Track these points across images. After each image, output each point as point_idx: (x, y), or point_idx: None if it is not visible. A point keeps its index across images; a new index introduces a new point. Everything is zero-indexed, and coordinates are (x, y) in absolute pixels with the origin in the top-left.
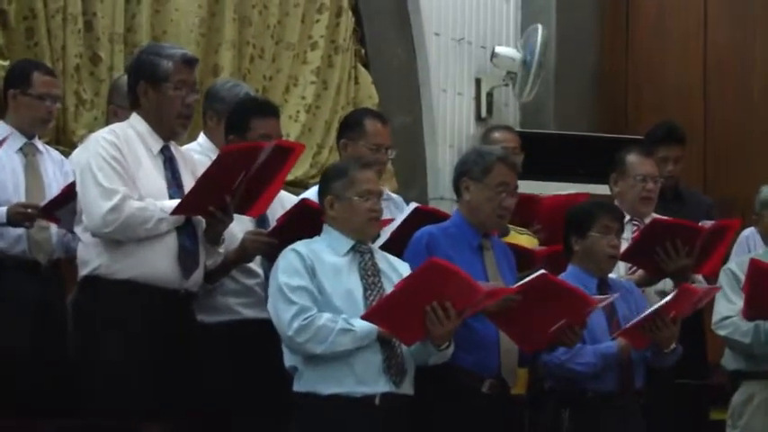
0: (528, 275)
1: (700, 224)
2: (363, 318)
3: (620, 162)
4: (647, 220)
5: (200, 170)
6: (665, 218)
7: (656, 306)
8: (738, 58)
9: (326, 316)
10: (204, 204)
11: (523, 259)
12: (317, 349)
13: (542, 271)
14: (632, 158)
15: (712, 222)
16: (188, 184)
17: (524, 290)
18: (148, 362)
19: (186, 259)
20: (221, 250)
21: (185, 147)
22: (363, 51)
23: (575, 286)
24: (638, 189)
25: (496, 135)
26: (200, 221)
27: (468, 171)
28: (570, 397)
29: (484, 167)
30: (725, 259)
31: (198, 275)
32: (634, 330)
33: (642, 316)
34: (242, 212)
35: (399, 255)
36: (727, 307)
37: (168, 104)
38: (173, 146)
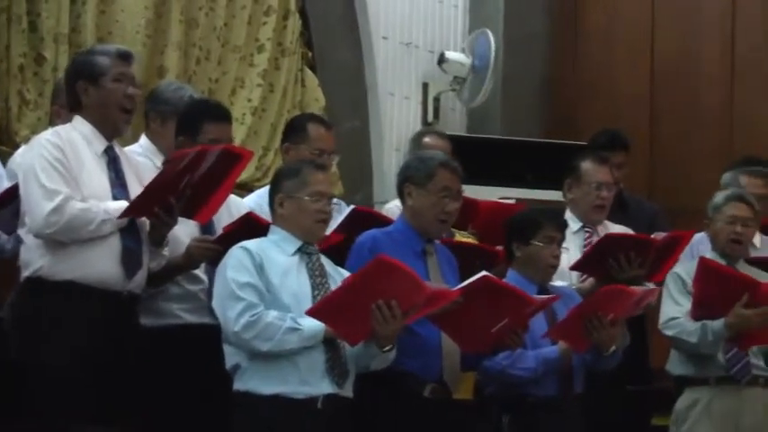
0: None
1: (653, 236)
2: (309, 313)
3: (574, 169)
4: (600, 228)
5: (143, 172)
6: (619, 232)
7: (583, 300)
8: (685, 67)
9: (274, 314)
10: (149, 206)
11: (487, 259)
12: (263, 347)
13: (484, 273)
14: (587, 166)
15: (665, 234)
16: (132, 184)
17: (466, 292)
18: (91, 364)
19: (129, 260)
20: (165, 252)
21: (127, 149)
22: (310, 54)
23: (515, 287)
24: (593, 197)
25: (427, 140)
26: (144, 222)
27: (410, 177)
28: (511, 402)
29: (426, 173)
30: None
31: (141, 277)
32: (573, 332)
33: (571, 311)
34: (189, 217)
35: (341, 258)
36: (675, 308)
37: (109, 98)
38: (116, 146)
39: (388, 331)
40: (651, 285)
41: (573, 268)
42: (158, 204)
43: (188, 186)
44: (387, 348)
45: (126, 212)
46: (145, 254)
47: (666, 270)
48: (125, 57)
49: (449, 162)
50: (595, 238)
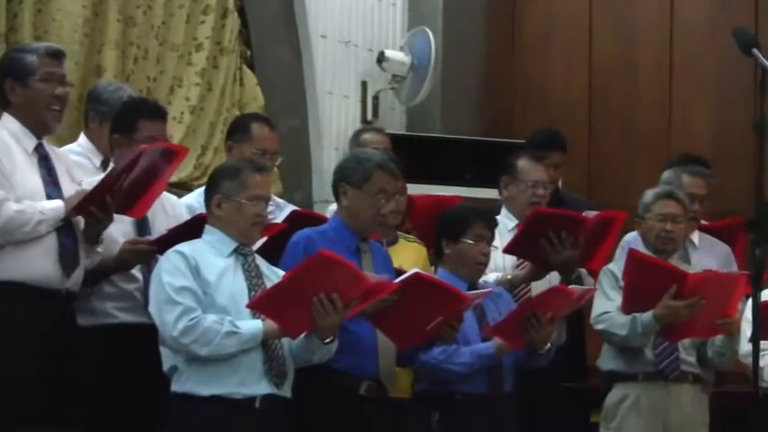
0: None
1: (584, 214)
2: (249, 306)
3: (510, 167)
4: None
5: (76, 169)
6: (549, 208)
7: (524, 298)
8: (623, 68)
9: (212, 318)
10: (87, 205)
11: None
12: (202, 351)
13: (416, 269)
14: (523, 164)
15: (596, 213)
16: (64, 182)
17: (399, 288)
18: (28, 364)
19: (67, 258)
20: (99, 249)
21: (65, 147)
22: (249, 53)
23: (448, 284)
24: (528, 194)
25: (366, 136)
26: (79, 220)
27: (346, 177)
28: (440, 399)
29: (363, 174)
30: (611, 255)
31: (78, 275)
32: (508, 328)
33: (512, 311)
34: (123, 212)
35: (276, 258)
36: (606, 303)
37: (36, 98)
38: (46, 144)
39: (330, 323)
40: (584, 272)
41: (506, 251)
42: (94, 203)
43: (123, 184)
44: (328, 341)
45: (69, 213)
46: (81, 252)
47: (601, 256)
48: (55, 55)
49: (386, 163)
50: None
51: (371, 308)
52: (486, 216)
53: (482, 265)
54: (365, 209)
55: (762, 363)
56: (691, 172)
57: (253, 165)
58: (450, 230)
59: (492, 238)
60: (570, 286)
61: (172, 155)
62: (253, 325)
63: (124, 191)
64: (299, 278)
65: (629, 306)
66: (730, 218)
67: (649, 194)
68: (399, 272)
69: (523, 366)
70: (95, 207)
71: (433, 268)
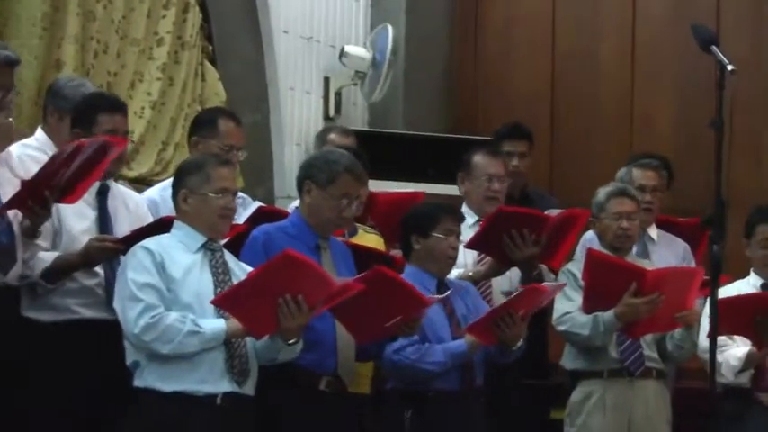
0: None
1: (546, 213)
2: (213, 302)
3: (467, 162)
4: None
5: (15, 164)
6: (512, 206)
7: (505, 301)
8: (585, 65)
9: (174, 316)
10: (25, 200)
11: (384, 263)
12: (163, 349)
13: (379, 267)
14: (479, 159)
15: (560, 211)
16: (4, 183)
17: (362, 282)
18: None
19: (3, 258)
20: (39, 242)
21: (21, 142)
22: (211, 48)
23: (410, 284)
24: (484, 189)
25: (333, 137)
26: (17, 215)
27: (312, 176)
28: (412, 396)
29: (329, 176)
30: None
31: (16, 271)
32: (483, 327)
33: (489, 311)
34: (58, 201)
35: (236, 253)
36: (567, 304)
37: None
38: None
39: (294, 325)
40: (545, 268)
41: (468, 246)
42: (33, 197)
43: (62, 178)
44: (292, 342)
45: (3, 208)
46: (18, 249)
47: (563, 253)
48: (9, 63)
49: (354, 168)
50: None
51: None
52: (453, 211)
53: (451, 260)
54: (327, 210)
55: (720, 358)
56: (640, 165)
57: (217, 158)
58: (420, 226)
59: (460, 233)
60: (544, 284)
61: (111, 147)
62: (215, 324)
63: (63, 183)
64: (265, 277)
65: (589, 305)
66: (693, 218)
67: (602, 193)
68: (367, 250)
69: (494, 361)
70: (33, 201)
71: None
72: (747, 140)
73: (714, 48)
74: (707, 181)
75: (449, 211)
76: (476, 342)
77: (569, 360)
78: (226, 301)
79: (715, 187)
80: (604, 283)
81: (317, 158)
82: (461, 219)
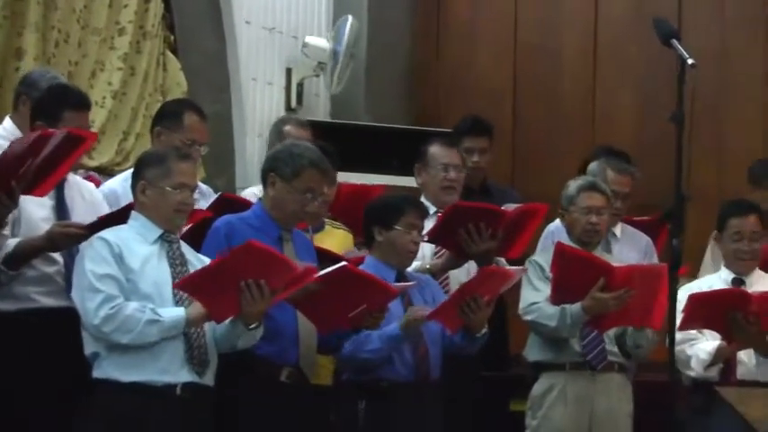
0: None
1: (503, 207)
2: (176, 286)
3: (423, 153)
4: None
5: None
6: (468, 201)
7: (464, 282)
8: (548, 59)
9: (133, 305)
10: None
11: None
12: (123, 339)
13: (344, 263)
14: (434, 149)
15: (517, 206)
16: None
17: (325, 280)
18: None
19: None
20: (5, 232)
21: None
22: (172, 38)
23: (375, 276)
24: (440, 178)
25: (288, 128)
26: None
27: (277, 168)
28: (367, 387)
29: (294, 170)
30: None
31: None
32: (447, 312)
33: (453, 295)
34: (27, 193)
35: (199, 243)
36: (534, 294)
37: None
38: None
39: (256, 310)
40: (503, 261)
41: (428, 240)
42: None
43: (30, 169)
44: (253, 327)
45: None
46: None
47: (520, 246)
48: None
49: (319, 163)
50: None
51: (296, 294)
52: (418, 205)
53: (412, 254)
54: (290, 203)
55: (690, 351)
56: (616, 168)
57: (178, 152)
58: (383, 218)
59: (423, 227)
60: (508, 267)
61: (79, 140)
62: (175, 313)
63: (31, 174)
64: (228, 264)
65: (557, 297)
66: (653, 214)
67: (573, 187)
68: (329, 254)
69: (459, 352)
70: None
71: (353, 247)
72: (709, 135)
73: (675, 41)
74: (668, 175)
75: (413, 205)
76: (410, 321)
77: (532, 352)
78: (188, 286)
79: (675, 181)
80: (572, 277)
81: (281, 151)
82: (425, 214)
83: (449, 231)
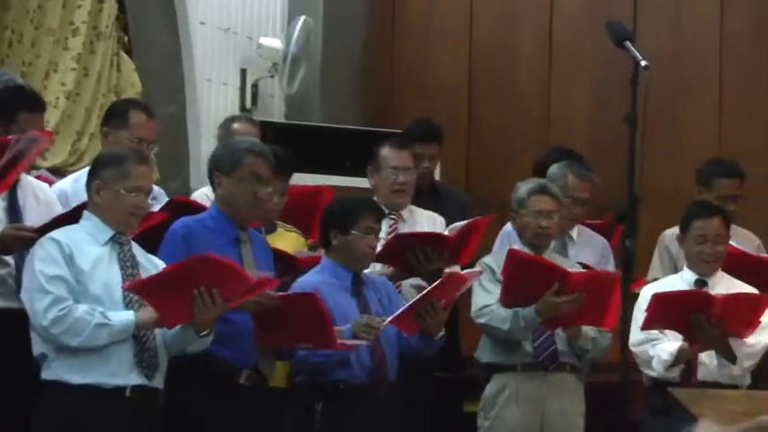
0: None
1: (448, 230)
2: (128, 288)
3: (375, 155)
4: (404, 213)
5: None
6: (409, 231)
7: (424, 292)
8: (503, 57)
9: (83, 308)
10: None
11: (285, 264)
12: (72, 341)
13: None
14: (385, 151)
15: (459, 229)
16: None
17: (287, 302)
18: None
19: None
20: None
21: None
22: (127, 38)
23: (330, 321)
24: (390, 181)
25: (236, 126)
26: None
27: (218, 166)
28: (322, 389)
29: (232, 162)
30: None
31: None
32: (405, 318)
33: (411, 303)
34: None
35: (153, 246)
36: (486, 296)
37: None
38: None
39: (208, 317)
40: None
41: (375, 260)
42: None
43: None
44: (204, 333)
45: None
46: None
47: (467, 255)
48: None
49: (255, 147)
50: (401, 225)
51: (254, 306)
52: (375, 209)
53: (369, 258)
54: (239, 195)
55: (652, 352)
56: (578, 174)
57: (137, 155)
58: (339, 222)
59: (380, 230)
60: (464, 271)
61: (37, 141)
62: (124, 317)
63: None
64: (182, 272)
65: (508, 300)
66: (607, 216)
67: (523, 190)
68: (283, 255)
69: (416, 355)
70: None
71: (305, 249)
72: (663, 136)
73: (628, 43)
74: (622, 177)
75: (370, 209)
76: (358, 322)
77: (484, 353)
78: (141, 289)
79: (628, 182)
80: (525, 281)
81: (218, 149)
82: (382, 217)
83: (395, 254)
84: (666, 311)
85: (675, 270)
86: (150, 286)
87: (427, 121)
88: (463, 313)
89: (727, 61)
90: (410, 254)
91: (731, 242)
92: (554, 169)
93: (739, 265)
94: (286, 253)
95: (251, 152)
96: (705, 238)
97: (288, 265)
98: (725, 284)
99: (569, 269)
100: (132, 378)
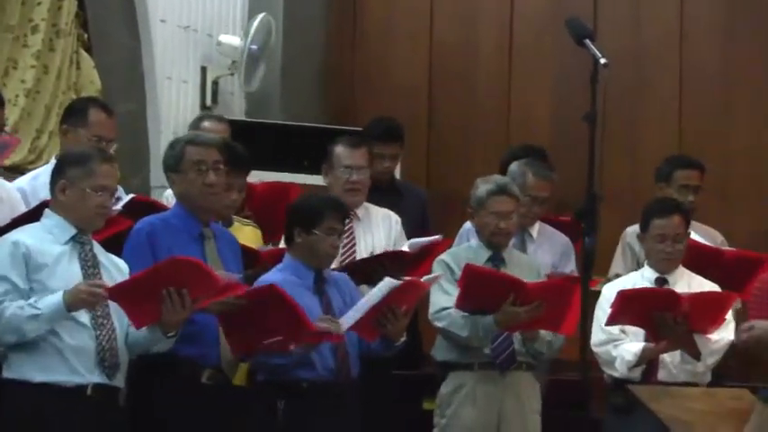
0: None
1: (409, 245)
2: (107, 291)
3: (329, 154)
4: (359, 211)
5: None
6: (361, 258)
7: (379, 298)
8: (464, 58)
9: (15, 305)
10: None
11: (247, 258)
12: (11, 339)
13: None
14: (339, 150)
15: (419, 246)
16: None
17: (251, 298)
18: None
19: None
20: None
21: None
22: (86, 36)
23: (300, 307)
24: (344, 180)
25: (206, 124)
26: None
27: (168, 166)
28: (285, 388)
29: (175, 157)
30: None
31: None
32: (365, 324)
33: (370, 309)
34: None
35: (118, 247)
36: (444, 298)
37: None
38: None
39: (177, 319)
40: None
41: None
42: None
43: None
44: (171, 334)
45: None
46: None
47: (427, 265)
48: None
49: (194, 138)
50: (356, 224)
51: (219, 307)
52: (339, 209)
53: (332, 257)
54: (190, 186)
55: (615, 353)
56: (537, 173)
57: (102, 154)
58: (303, 221)
59: (343, 230)
60: (422, 279)
61: (6, 147)
62: (52, 300)
63: None
64: (152, 276)
65: (465, 306)
66: (566, 214)
67: (482, 189)
68: (247, 249)
69: (376, 357)
70: None
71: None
72: (622, 134)
73: (587, 41)
74: (582, 175)
75: (334, 209)
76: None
77: (440, 352)
78: (117, 292)
79: (587, 180)
80: (482, 292)
81: (166, 151)
82: (346, 216)
83: (356, 269)
84: (631, 309)
85: (638, 267)
86: (126, 290)
87: (388, 121)
88: (424, 310)
89: (687, 60)
90: (369, 269)
91: (694, 236)
92: (514, 167)
93: (698, 258)
94: (248, 247)
95: (190, 143)
96: (665, 237)
97: (250, 259)
98: (686, 281)
99: (526, 282)
100: (93, 377)
